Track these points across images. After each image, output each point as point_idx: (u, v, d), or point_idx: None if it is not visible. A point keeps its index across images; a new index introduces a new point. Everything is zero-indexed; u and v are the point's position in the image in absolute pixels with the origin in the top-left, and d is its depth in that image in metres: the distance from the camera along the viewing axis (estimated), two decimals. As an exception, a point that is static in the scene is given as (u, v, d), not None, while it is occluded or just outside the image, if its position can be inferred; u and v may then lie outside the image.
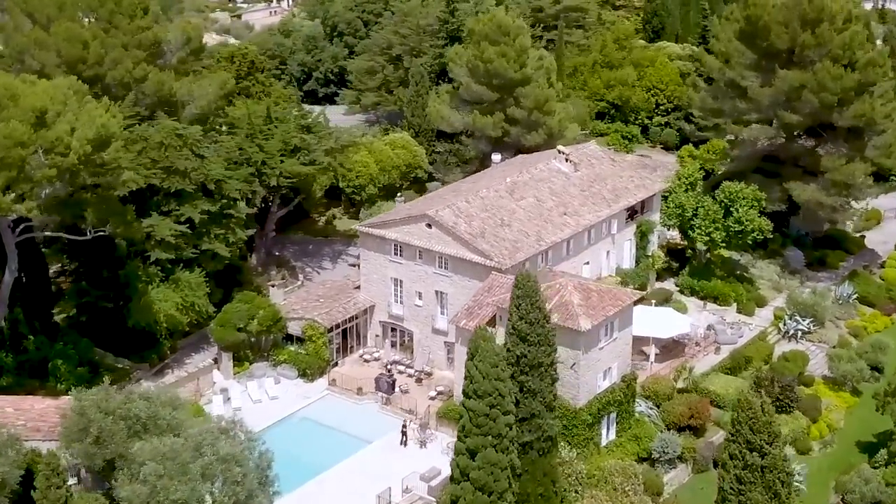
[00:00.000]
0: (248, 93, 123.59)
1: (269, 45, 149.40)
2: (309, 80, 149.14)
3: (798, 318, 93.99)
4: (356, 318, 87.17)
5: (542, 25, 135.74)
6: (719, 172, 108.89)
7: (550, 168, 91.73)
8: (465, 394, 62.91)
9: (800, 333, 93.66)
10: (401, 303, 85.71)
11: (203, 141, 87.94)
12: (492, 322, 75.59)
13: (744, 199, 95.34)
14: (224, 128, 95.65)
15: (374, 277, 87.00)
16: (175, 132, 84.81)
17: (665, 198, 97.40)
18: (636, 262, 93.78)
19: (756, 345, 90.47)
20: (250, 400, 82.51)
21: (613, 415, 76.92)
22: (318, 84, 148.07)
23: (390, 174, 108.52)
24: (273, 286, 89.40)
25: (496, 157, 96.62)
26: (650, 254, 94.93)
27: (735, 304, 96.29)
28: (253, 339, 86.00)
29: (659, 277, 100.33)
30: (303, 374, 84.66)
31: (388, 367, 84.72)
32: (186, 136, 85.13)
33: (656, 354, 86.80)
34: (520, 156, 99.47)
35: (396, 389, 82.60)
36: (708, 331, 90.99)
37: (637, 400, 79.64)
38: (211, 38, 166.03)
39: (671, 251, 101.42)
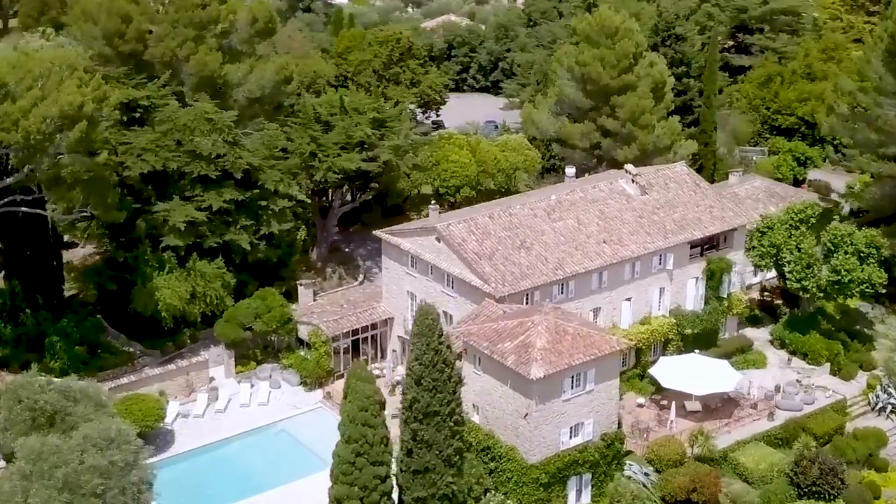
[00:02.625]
0: (398, 80, 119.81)
1: (458, 31, 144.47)
2: (495, 70, 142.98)
3: (893, 389, 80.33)
4: (371, 329, 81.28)
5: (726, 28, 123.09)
6: (843, 211, 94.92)
7: (612, 188, 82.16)
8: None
9: (889, 408, 79.99)
10: (412, 318, 79.07)
11: (241, 127, 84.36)
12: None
13: (851, 244, 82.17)
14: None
15: (394, 289, 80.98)
16: (204, 115, 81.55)
17: (763, 234, 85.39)
18: (705, 303, 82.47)
19: (824, 415, 77.92)
20: (237, 403, 78.50)
21: (587, 477, 67.66)
22: (503, 75, 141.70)
23: (495, 177, 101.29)
24: (301, 285, 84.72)
25: (570, 170, 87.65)
26: (725, 295, 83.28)
27: (828, 365, 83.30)
28: (261, 339, 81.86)
29: (757, 323, 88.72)
30: (303, 383, 79.88)
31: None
32: (217, 121, 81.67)
33: (696, 412, 76.33)
34: (607, 171, 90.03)
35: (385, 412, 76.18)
36: (775, 392, 79.13)
37: (629, 463, 69.92)
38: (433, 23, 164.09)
39: (784, 294, 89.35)
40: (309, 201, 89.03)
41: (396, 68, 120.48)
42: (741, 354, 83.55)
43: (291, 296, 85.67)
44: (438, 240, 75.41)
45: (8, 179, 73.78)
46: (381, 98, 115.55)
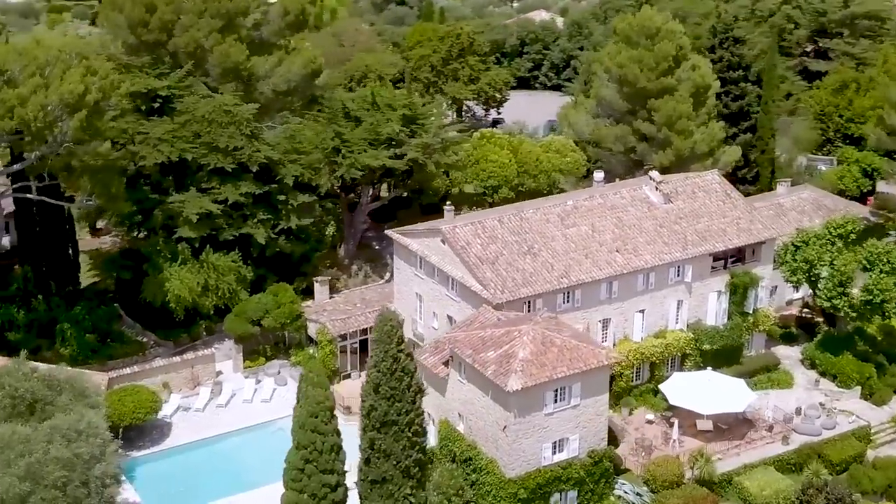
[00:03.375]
0: (456, 76, 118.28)
1: (531, 28, 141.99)
2: (567, 68, 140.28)
3: (925, 417, 76.31)
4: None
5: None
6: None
7: (635, 195, 79.29)
8: (294, 443, 55.55)
9: (916, 438, 75.98)
10: (422, 321, 77.69)
11: (267, 120, 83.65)
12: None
13: (888, 262, 78.08)
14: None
15: (404, 290, 79.49)
16: (223, 108, 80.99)
17: (798, 248, 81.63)
18: (728, 318, 79.06)
19: (844, 442, 74.05)
20: (241, 398, 77.83)
21: (573, 495, 65.31)
22: (574, 73, 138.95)
23: (537, 178, 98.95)
24: (317, 281, 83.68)
25: (598, 175, 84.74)
26: (750, 311, 79.77)
27: (859, 389, 79.34)
28: (272, 335, 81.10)
29: (792, 340, 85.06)
30: (310, 381, 78.69)
31: (378, 389, 76.74)
32: (235, 113, 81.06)
33: (707, 432, 73.35)
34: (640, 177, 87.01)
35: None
36: (795, 414, 75.64)
37: (621, 482, 67.35)
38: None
39: (825, 312, 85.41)
40: (319, 197, 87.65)
41: (455, 64, 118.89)
42: (766, 373, 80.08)
43: (312, 292, 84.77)
44: (444, 241, 73.51)
45: (15, 166, 74.18)
46: (438, 94, 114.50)
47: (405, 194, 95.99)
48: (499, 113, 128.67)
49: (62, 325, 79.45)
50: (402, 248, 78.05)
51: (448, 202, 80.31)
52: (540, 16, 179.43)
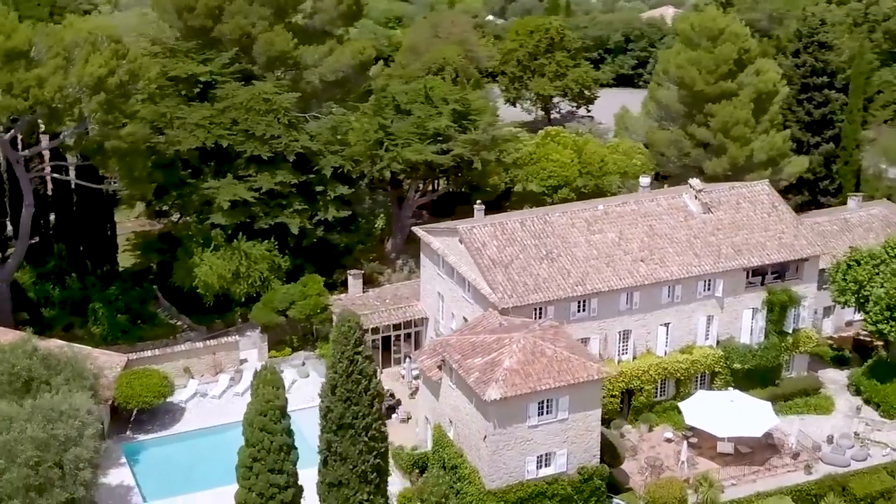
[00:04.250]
0: (542, 71, 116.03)
1: (637, 25, 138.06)
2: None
3: (967, 456, 71.30)
4: (405, 327, 78.54)
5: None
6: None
7: (672, 203, 76.05)
8: (246, 439, 54.85)
9: (956, 477, 70.92)
10: (443, 321, 76.20)
11: (312, 109, 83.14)
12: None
13: (941, 286, 73.28)
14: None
15: (428, 288, 78.03)
16: (262, 96, 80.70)
17: (850, 267, 77.24)
18: (765, 337, 75.18)
19: (872, 475, 69.71)
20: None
21: (560, 511, 63.07)
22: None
23: (600, 180, 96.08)
24: (350, 275, 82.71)
25: (644, 180, 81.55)
26: (790, 331, 75.73)
27: (904, 419, 74.94)
28: (301, 326, 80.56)
29: (843, 364, 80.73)
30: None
31: (388, 389, 75.50)
32: (274, 102, 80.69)
33: (728, 455, 70.06)
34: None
35: (394, 416, 73.66)
36: (827, 443, 71.69)
37: (617, 500, 64.77)
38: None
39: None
40: (370, 189, 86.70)
41: (543, 59, 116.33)
42: (804, 397, 75.98)
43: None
44: (461, 241, 71.77)
45: (43, 144, 75.19)
46: (524, 89, 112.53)
47: (462, 190, 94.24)
48: (588, 111, 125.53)
49: (94, 304, 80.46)
50: (426, 246, 76.56)
51: (478, 201, 78.34)
52: (667, 12, 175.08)
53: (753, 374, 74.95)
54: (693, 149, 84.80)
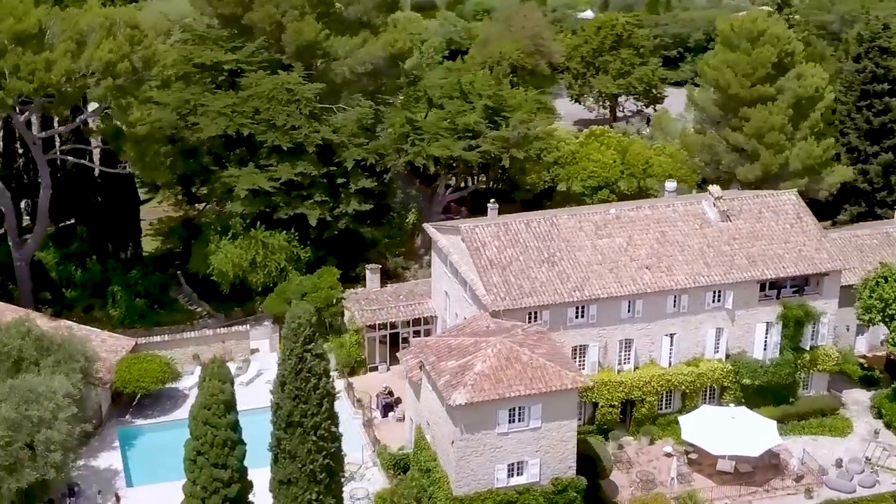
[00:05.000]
0: (606, 69, 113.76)
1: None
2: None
3: (984, 489, 67.51)
4: (414, 325, 77.51)
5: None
6: None
7: (690, 210, 73.48)
8: (195, 432, 54.55)
9: (971, 511, 67.27)
10: (448, 320, 75.05)
11: (341, 101, 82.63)
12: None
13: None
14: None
15: (437, 286, 76.90)
16: (285, 86, 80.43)
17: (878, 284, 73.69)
18: (780, 353, 72.15)
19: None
20: (265, 378, 77.22)
21: (533, 522, 61.41)
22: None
23: (644, 182, 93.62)
24: (368, 269, 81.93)
25: (670, 185, 78.88)
26: (807, 347, 72.56)
27: (924, 445, 71.29)
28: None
29: (872, 385, 77.31)
30: (336, 369, 77.57)
31: (386, 386, 74.61)
32: (296, 92, 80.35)
33: (727, 474, 67.63)
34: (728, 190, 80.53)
35: (391, 414, 72.81)
36: (836, 466, 68.67)
37: (596, 514, 62.98)
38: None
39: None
40: (404, 183, 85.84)
41: (608, 56, 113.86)
42: (819, 417, 72.80)
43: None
44: (463, 240, 70.48)
45: (60, 128, 76.08)
46: (587, 87, 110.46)
47: (499, 187, 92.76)
48: (655, 110, 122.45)
49: (113, 287, 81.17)
50: (435, 244, 75.40)
51: (492, 200, 76.77)
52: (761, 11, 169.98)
53: (766, 390, 72.08)
54: (727, 154, 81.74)
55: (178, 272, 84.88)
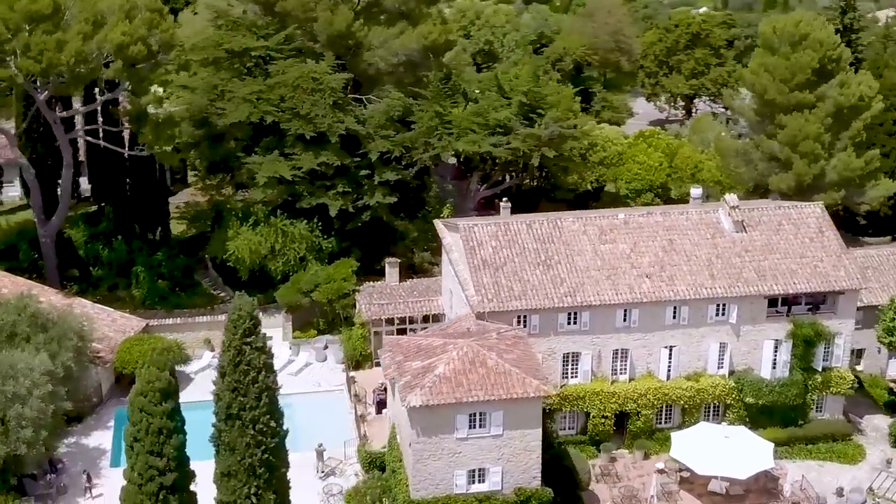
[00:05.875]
0: (678, 68, 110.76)
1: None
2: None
3: None
4: (422, 321, 76.43)
5: None
6: None
7: (704, 219, 70.69)
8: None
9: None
10: (453, 318, 73.71)
11: (371, 92, 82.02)
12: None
13: None
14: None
15: (445, 284, 75.72)
16: (311, 75, 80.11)
17: (905, 304, 70.03)
18: (790, 372, 68.93)
19: (874, 539, 63.17)
20: (272, 367, 77.20)
21: (494, 531, 59.91)
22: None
23: (685, 184, 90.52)
24: (388, 262, 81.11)
25: (696, 191, 75.87)
26: (819, 368, 69.15)
27: (941, 478, 67.40)
28: (330, 309, 79.64)
29: (898, 409, 73.73)
30: (344, 362, 77.19)
31: (382, 382, 73.59)
32: (321, 81, 79.96)
33: (717, 495, 65.13)
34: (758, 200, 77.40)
35: (384, 411, 71.96)
36: (836, 495, 65.51)
37: (561, 532, 61.13)
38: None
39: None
40: (441, 177, 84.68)
41: (682, 55, 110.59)
42: (830, 442, 69.43)
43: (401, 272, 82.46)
44: (462, 238, 69.17)
45: (80, 108, 77.11)
46: (659, 86, 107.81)
47: (542, 185, 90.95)
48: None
49: (137, 267, 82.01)
50: (441, 240, 74.18)
51: (504, 198, 75.12)
52: (888, 13, 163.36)
53: (772, 411, 69.10)
54: (761, 161, 78.31)
55: (207, 256, 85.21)
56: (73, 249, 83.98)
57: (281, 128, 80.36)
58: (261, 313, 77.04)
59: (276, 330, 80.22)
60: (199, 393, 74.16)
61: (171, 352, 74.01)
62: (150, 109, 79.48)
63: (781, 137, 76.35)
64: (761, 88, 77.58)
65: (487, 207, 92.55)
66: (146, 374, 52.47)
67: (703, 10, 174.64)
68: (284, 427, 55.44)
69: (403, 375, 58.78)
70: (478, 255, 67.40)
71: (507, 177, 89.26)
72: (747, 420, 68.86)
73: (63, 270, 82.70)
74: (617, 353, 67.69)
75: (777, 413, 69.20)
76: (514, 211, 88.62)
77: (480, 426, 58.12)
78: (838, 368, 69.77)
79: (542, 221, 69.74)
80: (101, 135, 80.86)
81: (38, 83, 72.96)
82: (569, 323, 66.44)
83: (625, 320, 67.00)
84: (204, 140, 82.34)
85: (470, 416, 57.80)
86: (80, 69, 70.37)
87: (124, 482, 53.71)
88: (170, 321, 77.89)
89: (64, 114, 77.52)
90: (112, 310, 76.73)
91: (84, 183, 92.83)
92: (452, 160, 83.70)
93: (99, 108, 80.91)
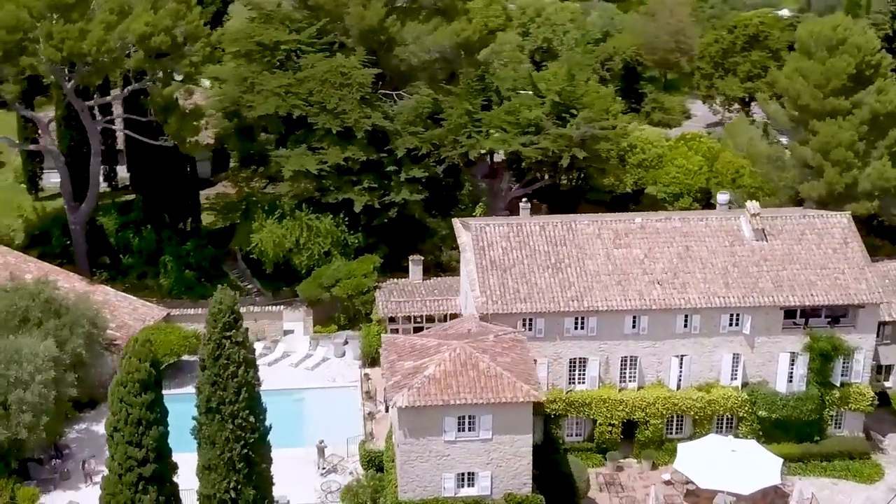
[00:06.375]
0: (734, 70, 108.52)
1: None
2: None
3: None
4: (440, 321, 75.64)
5: None
6: None
7: (724, 226, 68.89)
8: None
9: None
10: (467, 318, 73.08)
11: (400, 88, 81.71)
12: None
13: None
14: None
15: (462, 283, 74.88)
16: (339, 69, 79.92)
17: (932, 320, 67.66)
18: (806, 386, 66.97)
19: (878, 562, 61.13)
20: (290, 361, 77.26)
21: (482, 536, 59.15)
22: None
23: (725, 189, 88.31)
24: (412, 260, 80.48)
25: (722, 197, 73.93)
26: (837, 384, 67.09)
27: (962, 504, 65.01)
28: (351, 304, 79.42)
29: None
30: (360, 358, 76.92)
31: (392, 380, 73.00)
32: (350, 76, 79.73)
33: (723, 511, 63.68)
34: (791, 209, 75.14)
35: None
36: (845, 515, 63.72)
37: (555, 536, 60.14)
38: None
39: None
40: (474, 176, 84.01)
41: (738, 57, 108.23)
42: (846, 460, 67.34)
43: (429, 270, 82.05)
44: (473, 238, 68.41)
45: (108, 97, 77.83)
46: (713, 88, 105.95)
47: (579, 185, 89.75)
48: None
49: (165, 257, 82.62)
50: (458, 239, 73.37)
51: (524, 199, 74.14)
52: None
53: (787, 425, 67.18)
54: (792, 168, 76.12)
55: (237, 248, 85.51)
56: (105, 237, 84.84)
57: (308, 122, 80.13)
58: (282, 307, 77.92)
59: (297, 324, 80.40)
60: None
61: (188, 342, 74.34)
62: (181, 101, 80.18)
63: (813, 144, 74.13)
64: (794, 93, 75.43)
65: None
66: (126, 365, 52.54)
67: (784, 12, 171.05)
68: (267, 423, 55.12)
69: (394, 375, 58.24)
70: (487, 255, 66.60)
71: (541, 176, 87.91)
72: (760, 434, 67.06)
73: (94, 257, 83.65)
74: (625, 361, 66.35)
75: (792, 428, 67.29)
76: (550, 211, 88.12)
77: (469, 429, 57.32)
78: (858, 384, 67.55)
79: (556, 223, 68.58)
80: (123, 125, 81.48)
81: (66, 72, 73.61)
82: (576, 328, 65.21)
83: (634, 327, 65.61)
84: (235, 132, 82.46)
85: (459, 418, 57.02)
86: (104, 58, 70.74)
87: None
88: (191, 311, 78.14)
89: (91, 102, 78.22)
90: (134, 298, 77.29)
91: (123, 171, 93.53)
92: (493, 158, 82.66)
93: (123, 99, 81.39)
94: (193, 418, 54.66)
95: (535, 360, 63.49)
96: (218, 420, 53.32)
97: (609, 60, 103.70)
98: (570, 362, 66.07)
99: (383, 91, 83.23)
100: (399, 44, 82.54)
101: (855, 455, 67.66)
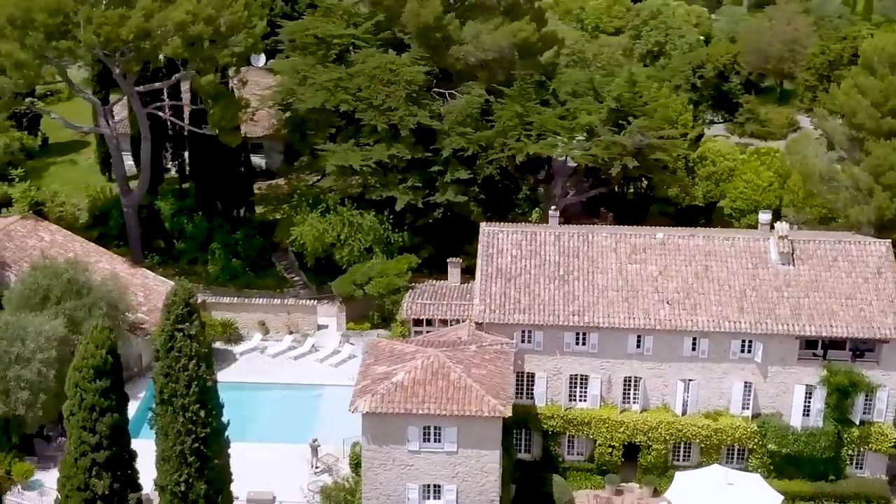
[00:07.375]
0: (839, 83, 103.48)
1: None
2: None
3: None
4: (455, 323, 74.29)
5: None
6: None
7: (750, 247, 65.48)
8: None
9: None
10: (485, 325, 71.60)
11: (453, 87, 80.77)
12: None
13: None
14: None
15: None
16: (388, 66, 79.27)
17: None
18: (823, 421, 63.20)
19: None
20: (317, 356, 77.14)
21: (447, 550, 57.84)
22: None
23: (803, 211, 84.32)
24: (450, 262, 79.12)
25: (764, 216, 69.65)
26: (856, 421, 63.07)
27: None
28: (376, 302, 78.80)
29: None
30: (382, 359, 76.15)
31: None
32: (398, 73, 79.00)
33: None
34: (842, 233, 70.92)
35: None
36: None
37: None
38: None
39: None
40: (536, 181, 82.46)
41: (843, 70, 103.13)
42: (863, 503, 63.32)
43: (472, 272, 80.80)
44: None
45: (156, 84, 79.01)
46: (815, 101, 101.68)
47: (647, 193, 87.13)
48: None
49: (213, 244, 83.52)
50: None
51: (553, 208, 72.10)
52: None
53: (800, 462, 63.61)
54: (844, 190, 71.76)
55: (282, 240, 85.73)
56: (160, 221, 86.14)
57: (356, 117, 79.69)
58: (316, 302, 77.58)
59: (331, 319, 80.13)
60: (239, 374, 75.03)
61: (216, 330, 74.90)
62: (237, 92, 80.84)
63: (865, 165, 69.77)
64: (850, 110, 71.09)
65: (590, 215, 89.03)
66: (83, 350, 52.92)
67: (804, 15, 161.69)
68: (224, 419, 54.84)
69: (364, 379, 57.30)
70: (494, 262, 65.07)
71: (596, 184, 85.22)
72: (772, 468, 63.61)
73: (149, 241, 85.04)
74: (629, 381, 63.80)
75: (806, 464, 63.70)
76: (616, 221, 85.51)
77: (435, 440, 56.01)
78: (880, 423, 63.35)
79: (572, 234, 66.45)
80: (172, 112, 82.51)
81: (117, 56, 74.84)
82: (577, 343, 62.99)
83: (638, 346, 63.05)
84: (287, 125, 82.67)
85: (423, 428, 55.78)
86: (144, 45, 71.63)
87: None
88: (227, 300, 78.72)
89: (141, 88, 79.40)
90: (171, 282, 78.03)
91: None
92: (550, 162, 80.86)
93: (167, 86, 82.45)
94: (149, 408, 54.81)
95: (534, 374, 62.56)
96: (170, 412, 53.27)
97: (700, 68, 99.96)
98: (571, 378, 63.86)
99: (437, 90, 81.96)
100: (456, 42, 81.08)
101: (872, 498, 63.64)
